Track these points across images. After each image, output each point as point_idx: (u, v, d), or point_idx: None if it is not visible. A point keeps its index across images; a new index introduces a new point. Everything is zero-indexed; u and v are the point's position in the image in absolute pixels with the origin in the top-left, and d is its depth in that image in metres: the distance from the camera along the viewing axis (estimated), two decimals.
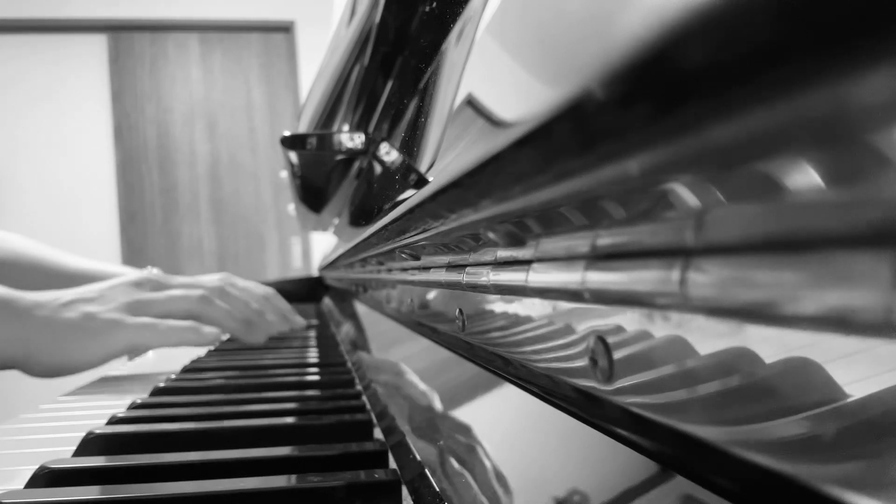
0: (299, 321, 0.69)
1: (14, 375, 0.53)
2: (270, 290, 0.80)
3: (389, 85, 0.46)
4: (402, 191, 0.28)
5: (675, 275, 0.11)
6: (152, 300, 0.58)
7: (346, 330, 0.77)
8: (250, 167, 2.97)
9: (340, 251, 0.75)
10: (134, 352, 0.57)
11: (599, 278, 0.14)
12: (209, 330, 0.57)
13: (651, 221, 0.12)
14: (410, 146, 0.28)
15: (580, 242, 0.15)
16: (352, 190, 0.62)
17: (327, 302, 1.26)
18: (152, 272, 0.79)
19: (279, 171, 2.87)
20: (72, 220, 2.81)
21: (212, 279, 0.67)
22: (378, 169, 0.41)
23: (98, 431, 0.32)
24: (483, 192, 0.17)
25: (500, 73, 0.16)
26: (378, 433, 0.33)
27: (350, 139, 0.53)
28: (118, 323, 0.54)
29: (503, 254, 0.21)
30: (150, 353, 0.73)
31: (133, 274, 0.63)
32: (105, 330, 0.53)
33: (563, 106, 0.11)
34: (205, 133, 2.94)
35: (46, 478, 0.26)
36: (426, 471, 0.24)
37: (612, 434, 0.16)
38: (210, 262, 2.92)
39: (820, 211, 0.08)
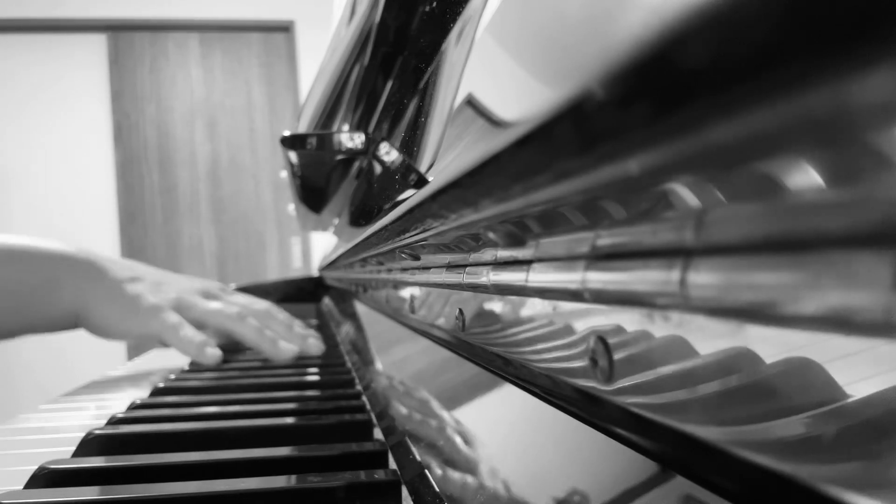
0: (314, 345, 0.68)
1: (12, 376, 0.52)
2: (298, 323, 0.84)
3: (389, 85, 0.46)
4: (402, 191, 0.28)
5: (675, 275, 0.11)
6: (194, 305, 0.65)
7: (346, 330, 0.77)
8: (250, 167, 2.97)
9: (340, 251, 0.75)
10: (158, 340, 0.64)
11: (599, 278, 0.14)
12: (212, 352, 0.62)
13: (651, 221, 0.12)
14: (410, 146, 0.28)
15: (580, 242, 0.15)
16: (352, 190, 0.62)
17: (327, 302, 1.26)
18: (213, 285, 0.81)
19: (279, 171, 2.87)
20: (72, 220, 2.81)
21: (261, 303, 0.72)
22: (378, 169, 0.41)
23: (98, 431, 0.32)
24: (483, 192, 0.17)
25: (499, 73, 0.16)
26: (378, 433, 0.33)
27: (350, 139, 0.53)
28: (157, 313, 0.62)
29: (503, 254, 0.21)
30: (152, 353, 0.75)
31: (200, 282, 0.71)
32: (146, 314, 0.62)
33: (562, 106, 0.11)
34: (205, 133, 2.94)
35: (46, 478, 0.26)
36: (426, 471, 0.24)
37: (612, 434, 0.16)
38: (210, 262, 2.92)
39: (820, 211, 0.08)
